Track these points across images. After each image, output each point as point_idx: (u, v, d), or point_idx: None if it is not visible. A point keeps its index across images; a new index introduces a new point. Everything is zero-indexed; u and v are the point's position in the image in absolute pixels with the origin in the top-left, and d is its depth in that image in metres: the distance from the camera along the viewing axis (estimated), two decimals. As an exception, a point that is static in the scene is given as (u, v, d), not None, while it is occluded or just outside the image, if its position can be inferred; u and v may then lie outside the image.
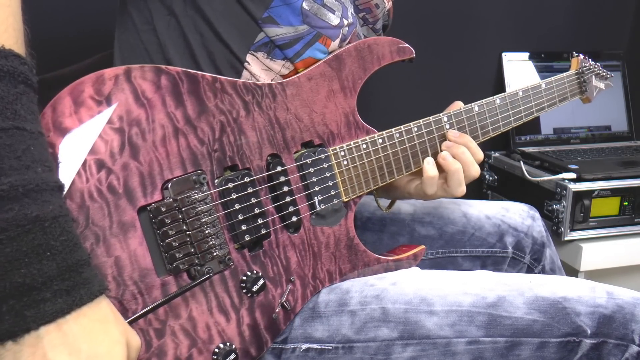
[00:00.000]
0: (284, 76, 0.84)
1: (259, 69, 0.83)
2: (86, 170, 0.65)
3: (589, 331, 0.77)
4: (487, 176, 1.74)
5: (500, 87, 1.76)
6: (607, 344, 0.77)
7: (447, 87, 1.74)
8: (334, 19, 0.85)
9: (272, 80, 0.83)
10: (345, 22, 0.87)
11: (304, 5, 0.82)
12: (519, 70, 1.76)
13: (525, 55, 1.79)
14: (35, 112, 0.56)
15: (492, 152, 1.74)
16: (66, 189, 0.63)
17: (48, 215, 0.53)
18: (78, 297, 0.54)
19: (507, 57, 1.77)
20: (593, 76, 1.18)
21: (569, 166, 1.48)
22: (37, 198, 0.53)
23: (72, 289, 0.53)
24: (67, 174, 0.64)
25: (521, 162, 1.57)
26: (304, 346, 0.81)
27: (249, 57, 0.82)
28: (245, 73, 0.82)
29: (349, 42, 0.91)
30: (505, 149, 1.74)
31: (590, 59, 1.20)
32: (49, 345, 0.52)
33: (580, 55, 1.18)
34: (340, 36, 0.87)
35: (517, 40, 1.81)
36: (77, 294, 0.54)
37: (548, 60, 1.79)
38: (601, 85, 1.21)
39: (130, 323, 0.65)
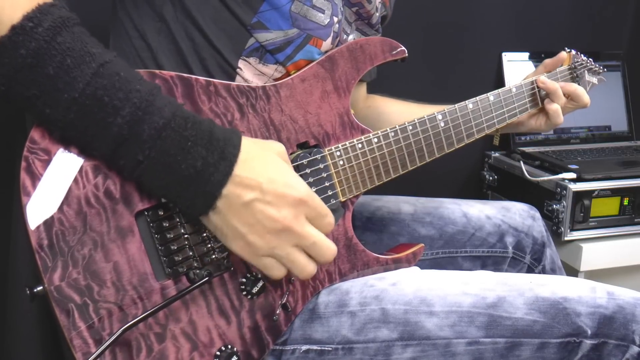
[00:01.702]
0: (276, 80, 0.84)
1: (252, 74, 0.83)
2: (82, 176, 0.65)
3: (589, 332, 0.77)
4: (487, 176, 1.73)
5: (500, 87, 1.74)
6: (607, 345, 0.77)
7: (447, 87, 1.74)
8: (324, 19, 0.85)
9: (265, 83, 0.83)
10: (336, 19, 0.87)
11: (293, 8, 0.82)
12: (519, 70, 1.75)
13: (525, 55, 1.78)
14: (97, 41, 0.65)
15: (492, 152, 1.74)
16: (63, 195, 0.64)
17: (169, 116, 0.64)
18: (229, 154, 0.66)
19: (507, 57, 1.76)
20: (586, 71, 1.18)
21: (569, 166, 1.48)
22: (153, 110, 0.63)
23: (223, 151, 0.65)
24: (63, 180, 0.64)
25: (521, 162, 1.57)
26: (304, 347, 0.81)
27: (240, 63, 0.82)
28: (238, 79, 0.83)
29: (339, 40, 0.91)
30: (505, 149, 1.74)
31: (582, 55, 1.20)
32: (234, 196, 0.66)
33: (573, 50, 1.18)
34: (332, 34, 0.87)
35: (517, 40, 1.80)
36: (228, 153, 0.66)
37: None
38: (594, 80, 1.22)
39: (129, 328, 0.65)
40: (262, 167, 0.67)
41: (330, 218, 0.71)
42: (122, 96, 0.62)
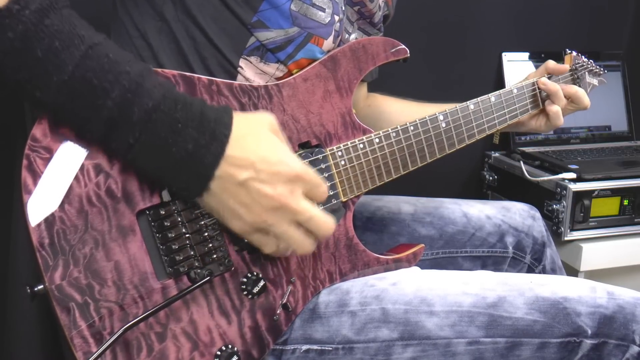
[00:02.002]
0: (278, 79, 0.84)
1: (253, 73, 0.83)
2: (84, 174, 0.65)
3: (589, 331, 0.77)
4: (487, 176, 1.73)
5: (500, 87, 1.73)
6: (607, 345, 0.77)
7: (447, 87, 1.74)
8: (325, 17, 0.85)
9: (266, 82, 0.83)
10: (337, 18, 0.87)
11: (292, 7, 0.82)
12: (519, 70, 1.75)
13: (525, 55, 1.78)
14: (86, 24, 0.64)
15: (492, 152, 1.74)
16: (65, 193, 0.64)
17: (159, 97, 0.64)
18: (220, 134, 0.66)
19: (507, 57, 1.76)
20: (586, 73, 1.18)
21: (569, 166, 1.48)
22: (142, 92, 0.63)
23: (214, 132, 0.65)
24: (64, 178, 0.64)
25: (521, 162, 1.57)
26: (304, 347, 0.81)
27: (242, 62, 0.82)
28: (239, 78, 0.83)
29: (340, 39, 0.91)
30: (505, 149, 1.74)
31: (583, 56, 1.20)
32: (228, 176, 0.66)
33: (573, 52, 1.18)
34: (333, 33, 0.87)
35: (517, 40, 1.80)
36: (219, 133, 0.66)
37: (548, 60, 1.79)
38: (594, 81, 1.22)
39: (130, 327, 0.65)
40: (255, 145, 0.67)
41: (323, 187, 0.71)
42: (112, 78, 0.62)
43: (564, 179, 1.43)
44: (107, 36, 0.65)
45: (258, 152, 0.67)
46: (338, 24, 0.88)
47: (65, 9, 0.63)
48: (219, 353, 0.73)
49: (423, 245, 0.96)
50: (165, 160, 0.64)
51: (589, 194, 1.41)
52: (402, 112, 1.15)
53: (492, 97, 1.01)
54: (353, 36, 1.00)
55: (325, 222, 0.70)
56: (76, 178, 0.64)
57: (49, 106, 0.62)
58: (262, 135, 0.69)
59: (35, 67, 0.60)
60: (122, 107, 0.62)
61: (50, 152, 0.64)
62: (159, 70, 0.72)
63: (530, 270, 1.15)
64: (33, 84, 0.61)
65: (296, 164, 0.69)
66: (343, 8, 0.91)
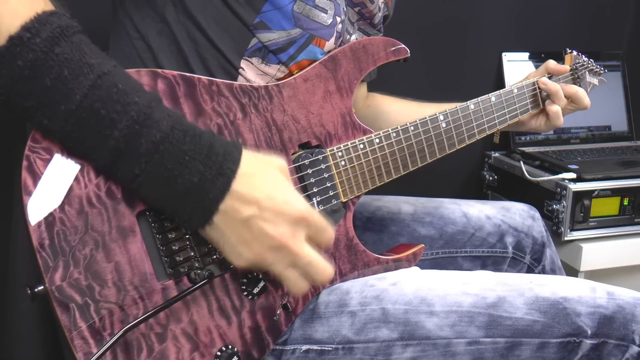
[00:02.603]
0: (279, 80, 0.84)
1: (254, 74, 0.83)
2: (84, 175, 0.65)
3: (589, 331, 0.77)
4: (487, 176, 1.73)
5: (500, 87, 1.73)
6: (607, 345, 0.77)
7: (447, 87, 1.74)
8: (327, 19, 0.85)
9: (267, 83, 0.83)
10: (339, 19, 0.87)
11: (295, 8, 0.82)
12: (519, 70, 1.75)
13: (525, 55, 1.78)
14: (97, 50, 0.64)
15: (492, 152, 1.74)
16: (65, 194, 0.64)
17: (167, 129, 0.64)
18: (228, 170, 0.65)
19: (507, 57, 1.76)
20: (587, 72, 1.19)
21: (569, 166, 1.48)
22: (151, 124, 0.63)
23: (221, 167, 0.65)
24: (65, 179, 0.64)
25: (521, 162, 1.57)
26: (304, 347, 0.81)
27: (243, 63, 0.82)
28: (240, 79, 0.83)
29: (342, 40, 0.91)
30: (505, 149, 1.74)
31: (583, 55, 1.20)
32: (232, 211, 0.65)
33: (574, 51, 1.18)
34: (335, 34, 0.87)
35: (517, 40, 1.80)
36: (227, 168, 0.65)
37: (548, 60, 1.79)
38: (595, 81, 1.22)
39: (131, 328, 0.65)
40: (262, 183, 0.67)
41: (330, 233, 0.71)
42: (120, 109, 0.62)
43: (564, 179, 1.43)
44: (117, 64, 0.65)
45: (265, 190, 0.66)
46: (340, 25, 0.88)
47: (77, 35, 0.62)
48: (219, 353, 0.73)
49: (423, 245, 0.96)
50: (169, 191, 0.64)
51: (589, 194, 1.41)
52: (402, 112, 1.15)
53: (493, 97, 1.01)
54: (354, 37, 1.00)
55: (324, 268, 0.69)
56: (76, 179, 0.64)
57: (56, 134, 0.62)
58: (270, 175, 0.69)
59: (43, 95, 0.60)
60: (129, 138, 0.62)
61: (51, 153, 0.64)
62: (159, 70, 0.72)
63: (530, 270, 1.15)
64: (40, 112, 0.61)
65: (302, 206, 0.68)
66: (345, 9, 0.91)
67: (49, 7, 0.62)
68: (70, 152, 0.64)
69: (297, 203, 0.68)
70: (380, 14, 1.04)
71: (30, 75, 0.59)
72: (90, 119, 0.61)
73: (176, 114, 0.66)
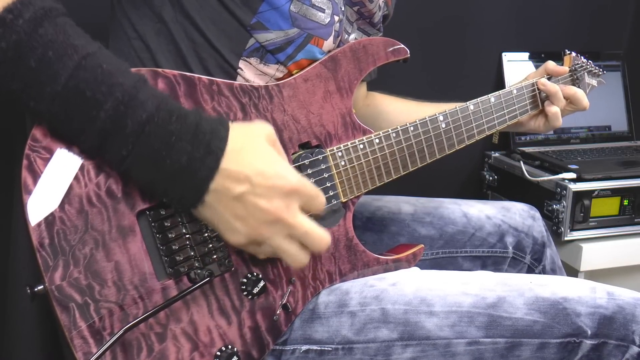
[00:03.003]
0: (278, 79, 0.84)
1: (253, 74, 0.83)
2: (84, 174, 0.65)
3: (589, 332, 0.77)
4: (487, 176, 1.73)
5: (500, 87, 1.76)
6: (607, 345, 0.77)
7: (447, 87, 1.74)
8: (325, 18, 0.85)
9: (267, 83, 0.83)
10: (337, 18, 0.87)
11: (292, 7, 0.82)
12: (519, 70, 1.75)
13: (525, 55, 1.78)
14: (82, 32, 0.64)
15: (492, 152, 1.74)
16: (65, 194, 0.64)
17: (152, 109, 0.63)
18: (216, 148, 0.65)
19: (507, 57, 1.76)
20: (585, 73, 1.19)
21: (569, 166, 1.48)
22: (136, 104, 0.62)
23: (209, 145, 0.64)
24: (65, 179, 0.64)
25: (521, 162, 1.57)
26: (304, 347, 0.81)
27: (241, 64, 0.82)
28: (239, 79, 0.82)
29: (340, 39, 0.91)
30: (505, 149, 1.74)
31: (582, 57, 1.20)
32: (223, 189, 0.65)
33: (573, 52, 1.18)
34: (333, 33, 0.87)
35: (517, 40, 1.80)
36: (214, 146, 0.65)
37: (548, 60, 1.79)
38: (594, 82, 1.22)
39: (131, 328, 0.65)
40: (251, 158, 0.67)
41: (321, 198, 0.71)
42: (105, 90, 0.61)
43: (564, 179, 1.43)
44: (102, 45, 0.65)
45: (254, 165, 0.66)
46: (338, 24, 0.88)
47: (60, 17, 0.62)
48: (218, 353, 0.73)
49: (422, 245, 0.96)
50: (158, 172, 0.64)
51: (589, 194, 1.41)
52: (402, 112, 1.15)
53: (492, 97, 1.01)
54: (352, 36, 1.00)
55: (321, 236, 0.69)
56: (76, 178, 0.64)
57: (43, 115, 0.62)
58: (258, 148, 0.69)
59: (28, 77, 0.60)
60: (115, 119, 0.62)
61: (51, 152, 0.64)
62: (160, 70, 0.72)
63: (530, 270, 1.15)
64: (26, 94, 0.60)
65: (293, 178, 0.68)
66: (342, 8, 0.91)
67: None
68: (59, 134, 0.64)
69: (288, 175, 0.68)
70: (379, 13, 1.04)
71: (14, 56, 0.59)
72: (76, 99, 0.61)
73: (162, 94, 0.66)
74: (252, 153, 0.67)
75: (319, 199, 0.71)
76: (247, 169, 0.66)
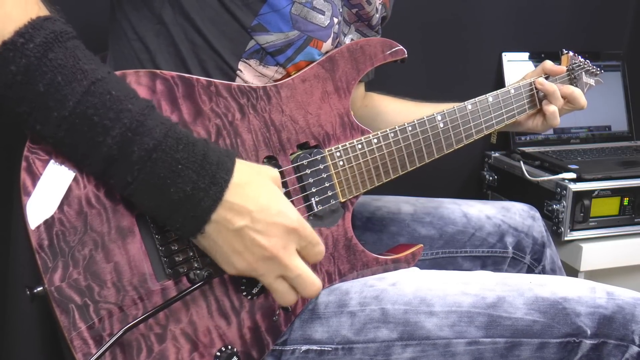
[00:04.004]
0: (276, 81, 0.84)
1: (252, 76, 0.83)
2: (83, 176, 0.65)
3: (589, 332, 0.77)
4: (487, 176, 1.73)
5: (500, 87, 1.73)
6: (607, 345, 0.77)
7: (447, 87, 1.74)
8: (324, 20, 0.85)
9: (265, 84, 0.83)
10: (336, 20, 0.87)
11: (293, 10, 0.82)
12: (519, 70, 1.75)
13: (525, 55, 1.78)
14: (91, 56, 0.63)
15: (492, 152, 1.74)
16: (64, 195, 0.64)
17: (160, 137, 0.63)
18: (221, 179, 0.65)
19: (507, 57, 1.76)
20: (583, 73, 1.19)
21: (569, 166, 1.48)
22: (144, 131, 0.62)
23: (214, 176, 0.65)
24: (64, 180, 0.64)
25: (521, 162, 1.57)
26: (304, 347, 0.81)
27: (241, 65, 0.82)
28: (238, 80, 0.83)
29: (338, 40, 0.91)
30: (505, 149, 1.74)
31: (579, 56, 1.20)
32: (224, 221, 0.65)
33: (570, 52, 1.18)
34: (332, 35, 0.87)
35: (517, 40, 1.80)
36: (220, 178, 0.65)
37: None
38: (591, 81, 1.22)
39: (130, 329, 0.65)
40: (255, 194, 0.67)
41: (320, 247, 0.71)
42: (113, 116, 0.61)
43: (564, 179, 1.43)
44: (111, 70, 0.64)
45: (257, 201, 0.66)
46: (337, 26, 0.88)
47: (71, 40, 0.62)
48: (218, 354, 0.73)
49: (422, 245, 0.96)
50: (162, 199, 0.64)
51: (589, 194, 1.41)
52: (400, 112, 1.15)
53: (490, 97, 1.01)
54: (349, 37, 1.00)
55: (313, 282, 0.69)
56: (75, 180, 0.64)
57: (49, 139, 0.62)
58: (263, 185, 0.69)
59: (36, 101, 0.60)
60: (122, 145, 0.61)
61: (49, 153, 0.64)
62: (158, 71, 0.72)
63: (530, 270, 1.15)
64: (33, 118, 0.60)
65: (295, 218, 0.68)
66: (340, 10, 0.91)
67: (44, 12, 0.62)
68: (64, 157, 0.64)
69: (290, 214, 0.68)
70: (378, 16, 1.04)
71: (23, 80, 0.59)
72: (83, 125, 0.61)
73: (170, 121, 0.66)
74: (257, 189, 0.68)
75: (318, 247, 0.71)
76: (250, 204, 0.66)
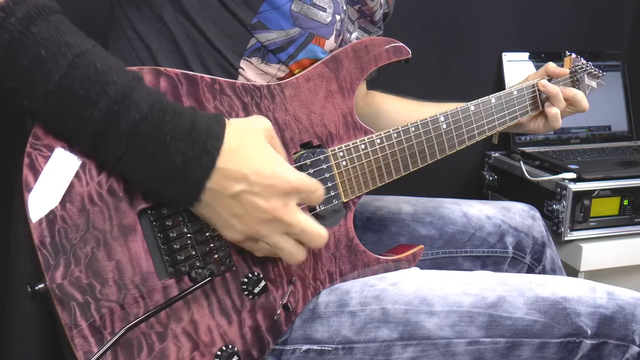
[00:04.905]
0: (280, 79, 0.84)
1: (254, 74, 0.83)
2: (86, 173, 0.65)
3: (589, 332, 0.77)
4: (487, 176, 1.74)
5: (500, 87, 1.76)
6: (607, 345, 0.77)
7: (447, 87, 1.74)
8: (326, 17, 0.85)
9: (269, 82, 0.83)
10: (338, 17, 0.87)
11: (293, 7, 0.81)
12: (519, 70, 1.75)
13: (525, 55, 1.78)
14: (76, 30, 0.62)
15: (492, 152, 1.74)
16: (66, 192, 0.63)
17: (146, 109, 0.62)
18: (211, 147, 0.64)
19: (507, 57, 1.76)
20: (585, 75, 1.19)
21: (569, 166, 1.48)
22: (130, 103, 0.61)
23: (204, 145, 0.64)
24: (66, 177, 0.64)
25: (521, 162, 1.57)
26: (304, 347, 0.81)
27: (242, 63, 0.82)
28: (240, 79, 0.82)
29: (342, 38, 0.91)
30: (505, 149, 1.74)
31: (582, 58, 1.20)
32: (220, 187, 0.65)
33: (573, 54, 1.18)
34: (335, 32, 0.87)
35: (517, 40, 1.81)
36: (210, 146, 0.64)
37: (548, 60, 1.78)
38: (593, 84, 1.22)
39: (132, 328, 0.65)
40: (248, 157, 0.66)
41: (320, 190, 0.70)
42: (98, 89, 0.60)
43: (564, 179, 1.43)
44: (96, 42, 0.64)
45: (252, 164, 0.66)
46: (339, 24, 0.88)
47: (54, 15, 0.61)
48: (219, 353, 0.73)
49: (422, 246, 0.96)
50: (153, 173, 0.64)
51: (589, 194, 1.41)
52: (402, 111, 1.15)
53: (493, 98, 1.01)
54: (354, 35, 1.00)
55: (318, 233, 0.69)
56: (77, 176, 0.64)
57: (38, 115, 0.61)
58: (256, 146, 0.68)
59: (21, 76, 0.59)
60: (108, 118, 0.61)
61: (52, 150, 0.64)
62: (162, 68, 0.72)
63: (530, 270, 1.15)
64: (21, 93, 0.60)
65: (290, 176, 0.67)
66: (344, 7, 0.91)
67: None
68: (54, 134, 0.64)
69: (285, 174, 0.67)
70: (380, 11, 1.04)
71: (6, 55, 0.58)
72: (70, 99, 0.60)
73: (156, 92, 0.65)
74: (250, 151, 0.67)
75: (318, 191, 0.70)
76: (245, 168, 0.65)
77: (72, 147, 0.65)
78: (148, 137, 0.62)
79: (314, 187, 0.70)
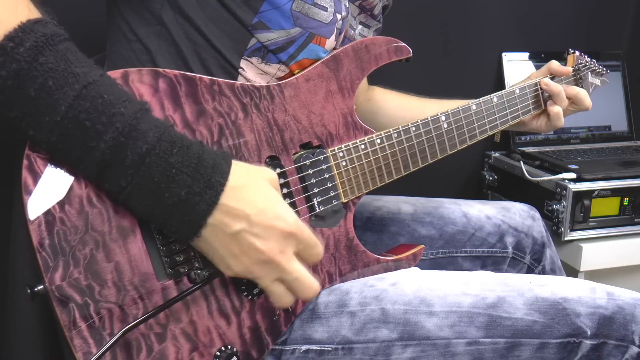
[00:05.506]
0: (279, 79, 0.84)
1: (254, 74, 0.83)
2: (85, 175, 0.65)
3: (589, 332, 0.77)
4: (487, 176, 1.73)
5: (500, 87, 1.76)
6: (607, 345, 0.77)
7: (447, 87, 1.72)
8: (327, 17, 0.85)
9: (268, 82, 0.83)
10: (339, 16, 0.87)
11: (294, 7, 0.81)
12: (519, 70, 1.75)
13: (525, 55, 1.78)
14: (84, 58, 0.62)
15: (492, 152, 1.74)
16: (65, 194, 0.63)
17: (153, 141, 0.62)
18: (216, 183, 0.64)
19: (507, 57, 1.76)
20: (589, 73, 1.19)
21: (569, 166, 1.48)
22: (137, 135, 0.61)
23: (209, 180, 0.64)
24: (65, 179, 0.64)
25: (521, 162, 1.57)
26: (304, 347, 0.81)
27: (242, 63, 0.82)
28: (240, 79, 0.82)
29: (344, 36, 0.91)
30: (505, 149, 1.74)
31: (585, 56, 1.20)
32: (221, 224, 0.65)
33: (576, 52, 1.18)
34: (335, 31, 0.87)
35: (517, 40, 1.81)
36: (215, 181, 0.64)
37: (548, 60, 1.78)
38: (597, 81, 1.22)
39: (131, 329, 0.65)
40: (252, 197, 0.66)
41: (319, 249, 0.70)
42: (105, 120, 0.60)
43: (564, 179, 1.43)
44: (104, 72, 0.63)
45: (255, 204, 0.66)
46: (340, 22, 0.88)
47: (62, 43, 0.61)
48: (218, 354, 0.73)
49: (423, 246, 0.96)
50: (157, 204, 0.63)
51: (589, 194, 1.41)
52: (402, 108, 1.15)
53: (495, 97, 1.01)
54: (358, 30, 0.99)
55: (310, 285, 0.69)
56: (76, 178, 0.64)
57: (43, 145, 0.61)
58: (260, 188, 0.68)
59: (27, 106, 0.59)
60: (115, 150, 0.61)
61: (51, 152, 0.64)
62: (161, 70, 0.71)
63: (529, 270, 1.15)
64: (25, 123, 0.59)
65: (292, 221, 0.67)
66: (347, 5, 0.90)
67: (35, 14, 0.60)
68: (58, 161, 0.64)
69: (287, 218, 0.67)
70: (380, 4, 1.03)
71: (14, 85, 0.58)
72: (76, 130, 0.60)
73: (164, 124, 0.65)
74: (253, 192, 0.67)
75: (317, 248, 0.70)
76: (247, 207, 0.65)
77: None
78: (154, 168, 0.62)
79: (314, 242, 0.70)
